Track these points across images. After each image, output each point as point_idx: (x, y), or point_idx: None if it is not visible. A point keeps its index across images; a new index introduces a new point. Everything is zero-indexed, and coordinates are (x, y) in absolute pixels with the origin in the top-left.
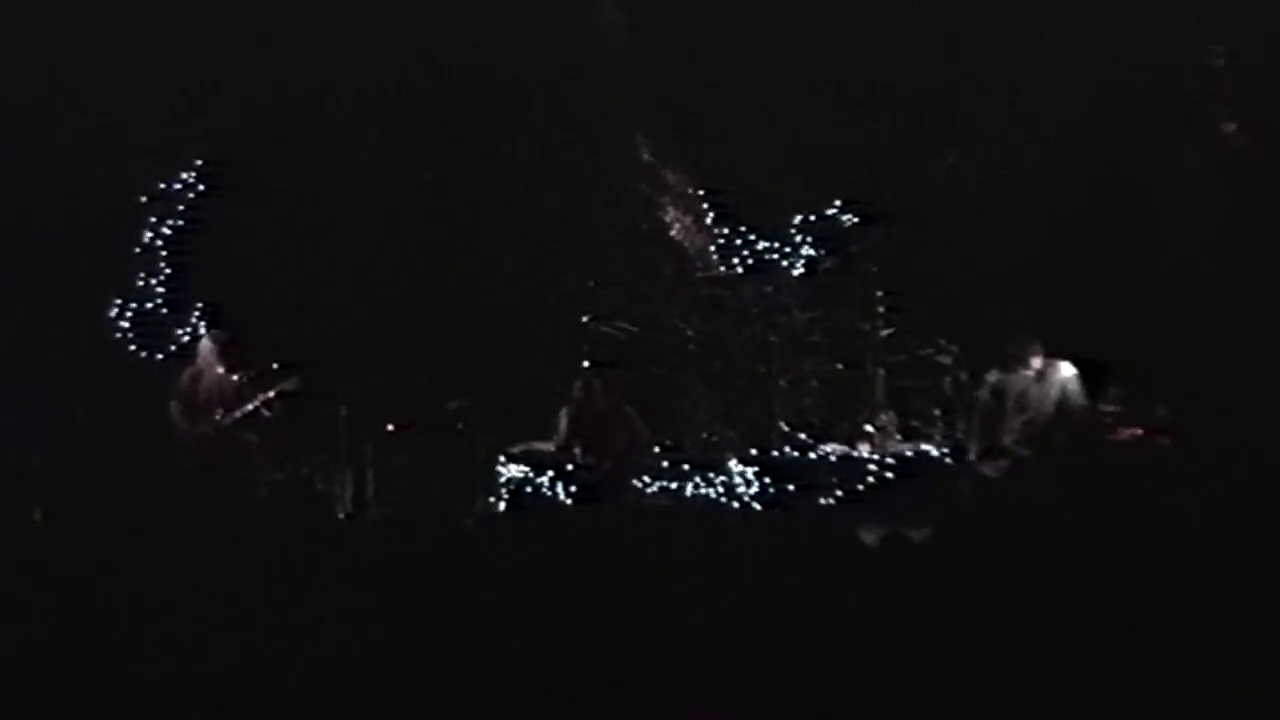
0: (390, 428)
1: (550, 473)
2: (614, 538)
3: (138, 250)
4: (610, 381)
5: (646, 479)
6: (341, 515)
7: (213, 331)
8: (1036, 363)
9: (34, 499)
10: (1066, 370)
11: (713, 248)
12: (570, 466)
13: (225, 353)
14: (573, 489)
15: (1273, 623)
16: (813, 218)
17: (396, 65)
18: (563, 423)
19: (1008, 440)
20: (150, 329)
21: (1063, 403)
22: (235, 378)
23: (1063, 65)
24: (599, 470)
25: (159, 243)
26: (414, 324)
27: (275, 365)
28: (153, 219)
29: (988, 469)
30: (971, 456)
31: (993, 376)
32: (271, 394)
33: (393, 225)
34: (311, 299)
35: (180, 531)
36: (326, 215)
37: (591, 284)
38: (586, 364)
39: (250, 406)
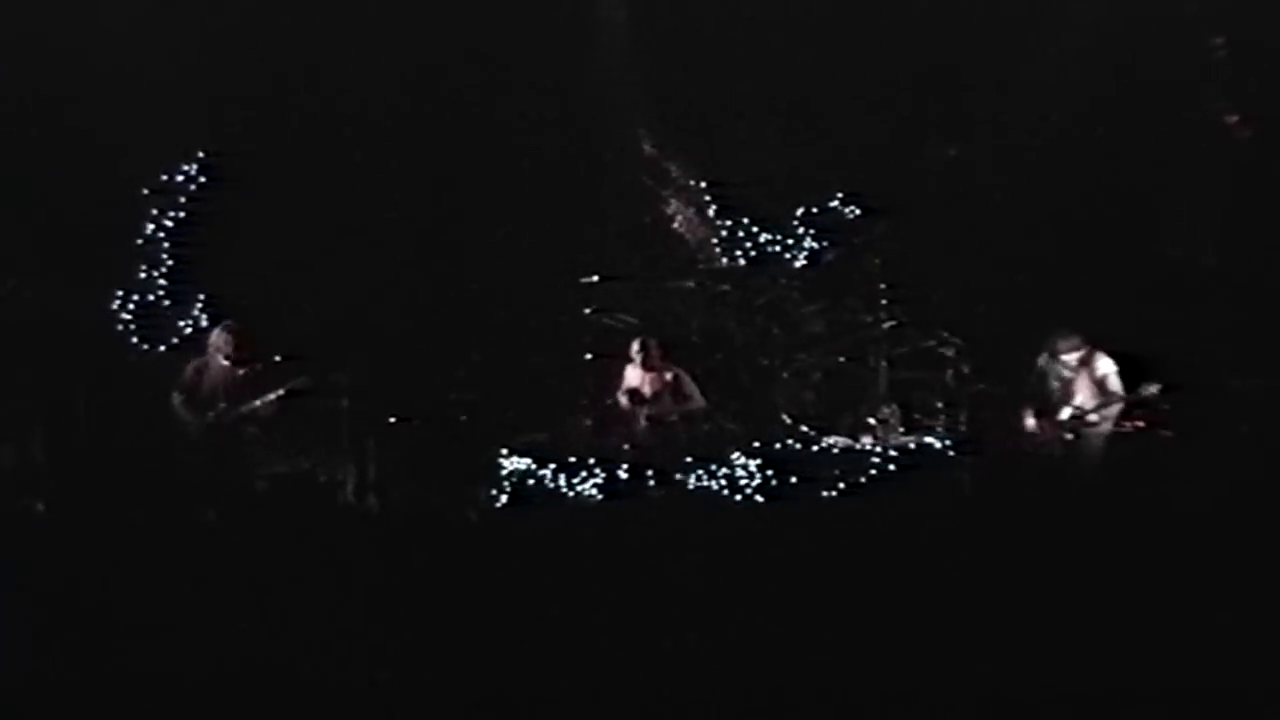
0: (392, 420)
1: (553, 465)
2: (617, 530)
3: (139, 242)
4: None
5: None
6: (343, 508)
7: (227, 322)
8: (1076, 355)
9: (36, 491)
10: (1106, 365)
11: (715, 240)
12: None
13: (239, 344)
14: (575, 481)
15: (1273, 612)
16: (815, 210)
17: (398, 57)
18: (625, 383)
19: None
20: (152, 321)
21: (1101, 394)
22: (241, 371)
23: (1063, 58)
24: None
25: (160, 235)
26: (417, 317)
27: (277, 358)
28: (154, 211)
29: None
30: (1029, 420)
31: (1042, 360)
32: (282, 392)
33: (395, 218)
34: (313, 292)
35: (182, 524)
36: (329, 208)
37: (594, 277)
38: (589, 356)
39: (258, 403)
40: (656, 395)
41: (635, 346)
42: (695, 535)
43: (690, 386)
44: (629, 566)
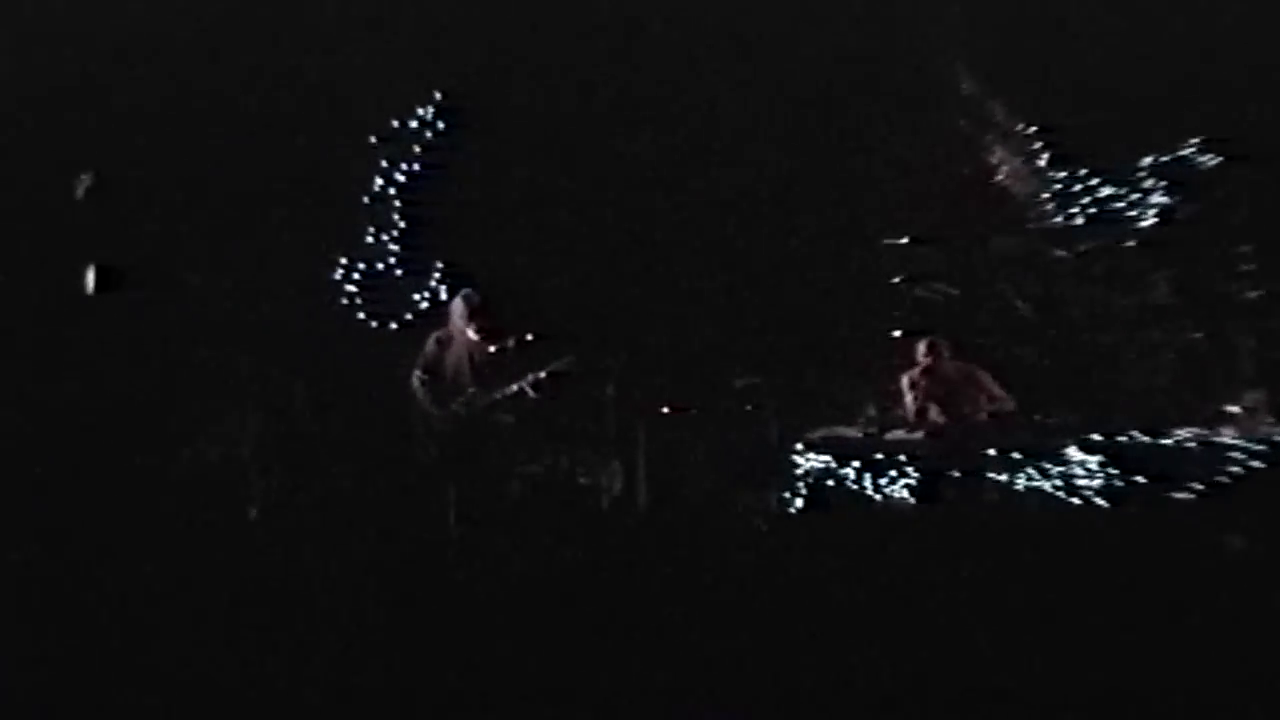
0: (666, 410)
1: (857, 463)
2: (932, 539)
3: (367, 200)
4: (958, 344)
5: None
6: (608, 513)
7: (465, 291)
8: None
9: (247, 492)
10: None
11: (1047, 194)
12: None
13: (481, 317)
14: (883, 482)
15: None
16: (1166, 159)
17: None
18: (906, 394)
19: None
20: (382, 293)
21: None
22: (492, 349)
23: None
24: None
25: (391, 191)
26: (694, 287)
27: (530, 337)
28: (384, 163)
29: None
30: None
31: None
32: (543, 374)
33: (667, 169)
34: (571, 258)
35: (418, 530)
36: (588, 159)
37: (904, 239)
38: (898, 334)
39: (515, 387)
40: (956, 399)
41: (921, 350)
42: (1026, 544)
43: (995, 389)
44: (947, 578)
